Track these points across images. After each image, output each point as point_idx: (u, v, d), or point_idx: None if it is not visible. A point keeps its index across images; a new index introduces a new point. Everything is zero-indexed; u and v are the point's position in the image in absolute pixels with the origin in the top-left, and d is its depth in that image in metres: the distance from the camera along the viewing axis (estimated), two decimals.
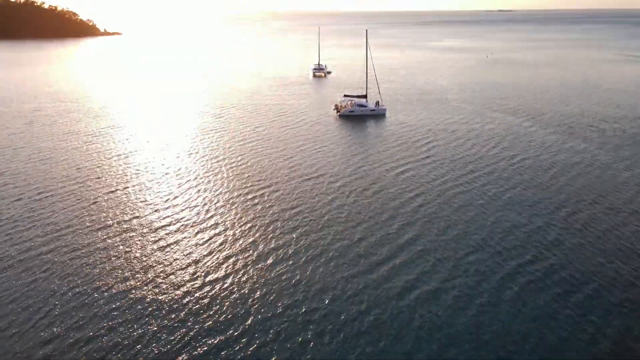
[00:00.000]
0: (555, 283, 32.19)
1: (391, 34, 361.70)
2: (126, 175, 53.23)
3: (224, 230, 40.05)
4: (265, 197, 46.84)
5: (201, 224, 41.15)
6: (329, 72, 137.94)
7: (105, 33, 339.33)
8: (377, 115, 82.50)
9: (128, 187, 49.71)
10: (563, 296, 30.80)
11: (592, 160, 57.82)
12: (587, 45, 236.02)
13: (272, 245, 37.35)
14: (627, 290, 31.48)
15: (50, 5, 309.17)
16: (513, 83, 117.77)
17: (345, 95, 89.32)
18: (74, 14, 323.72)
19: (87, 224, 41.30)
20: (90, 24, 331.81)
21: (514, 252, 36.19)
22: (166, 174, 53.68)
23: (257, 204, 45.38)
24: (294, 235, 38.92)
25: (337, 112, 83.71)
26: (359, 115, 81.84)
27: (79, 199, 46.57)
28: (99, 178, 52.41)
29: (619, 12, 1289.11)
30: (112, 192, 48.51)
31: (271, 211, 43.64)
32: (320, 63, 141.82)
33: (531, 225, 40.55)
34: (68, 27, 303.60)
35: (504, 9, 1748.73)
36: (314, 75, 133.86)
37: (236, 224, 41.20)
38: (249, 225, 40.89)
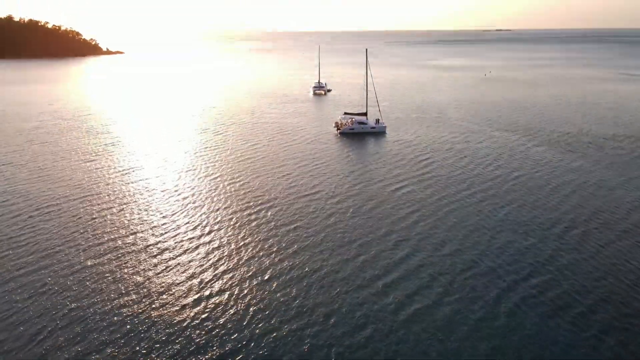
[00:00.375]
0: (551, 300, 32.16)
1: (391, 52, 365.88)
2: (125, 193, 53.38)
3: (222, 246, 40.02)
4: (264, 214, 46.88)
5: (199, 241, 41.14)
6: (329, 90, 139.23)
7: (108, 52, 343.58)
8: (377, 132, 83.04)
9: (127, 204, 49.80)
10: (558, 313, 30.74)
11: (589, 177, 58.02)
12: (583, 64, 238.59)
13: (270, 262, 37.30)
14: (622, 307, 31.40)
15: (54, 25, 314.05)
16: (511, 101, 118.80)
17: (345, 113, 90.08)
18: (77, 33, 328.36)
19: (86, 241, 41.28)
20: (93, 43, 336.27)
21: (509, 268, 36.24)
22: (165, 190, 53.84)
23: (255, 220, 45.41)
24: (292, 252, 38.91)
25: (337, 129, 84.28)
26: (359, 133, 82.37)
27: (78, 216, 46.62)
28: (98, 195, 52.56)
29: (614, 32, 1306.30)
30: (111, 209, 48.59)
31: (269, 228, 43.66)
32: (320, 81, 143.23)
33: (527, 241, 40.62)
34: (71, 47, 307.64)
35: (502, 29, 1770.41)
36: (314, 93, 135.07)
37: (234, 240, 41.19)
38: (247, 241, 40.89)
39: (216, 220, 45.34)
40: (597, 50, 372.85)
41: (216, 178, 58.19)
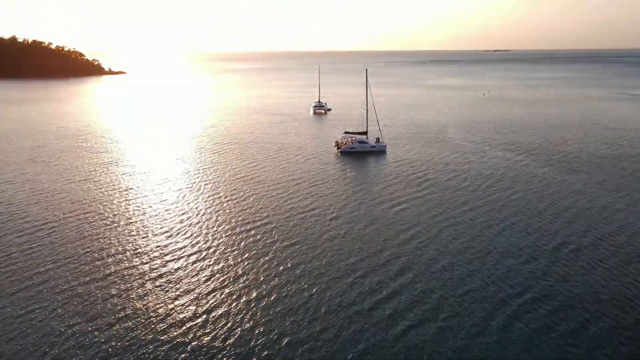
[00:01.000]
0: (544, 314, 32.21)
1: (391, 72, 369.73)
2: (125, 211, 53.23)
3: (221, 265, 39.78)
4: (263, 233, 46.71)
5: (197, 259, 40.93)
6: (329, 110, 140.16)
7: (110, 72, 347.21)
8: (378, 151, 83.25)
9: (127, 223, 49.62)
10: (552, 326, 30.76)
11: (589, 196, 57.93)
12: (581, 84, 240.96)
13: (268, 280, 37.11)
14: (618, 318, 31.32)
15: (57, 46, 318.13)
16: (510, 120, 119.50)
17: (346, 132, 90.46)
18: (80, 54, 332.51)
19: (87, 259, 41.00)
20: (96, 63, 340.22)
21: (506, 281, 36.35)
22: (164, 210, 53.69)
23: (253, 239, 45.25)
24: (290, 270, 38.75)
25: (337, 148, 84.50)
26: (359, 152, 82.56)
27: (78, 235, 46.38)
28: (98, 214, 52.39)
29: (609, 52, 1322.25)
30: (110, 228, 48.38)
31: (267, 246, 43.50)
32: (320, 100, 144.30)
33: (523, 255, 40.80)
34: (74, 67, 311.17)
35: (500, 49, 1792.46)
36: (315, 113, 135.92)
37: (232, 259, 40.96)
38: (246, 259, 40.70)
39: (214, 239, 45.15)
40: (594, 70, 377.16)
41: (215, 197, 58.08)
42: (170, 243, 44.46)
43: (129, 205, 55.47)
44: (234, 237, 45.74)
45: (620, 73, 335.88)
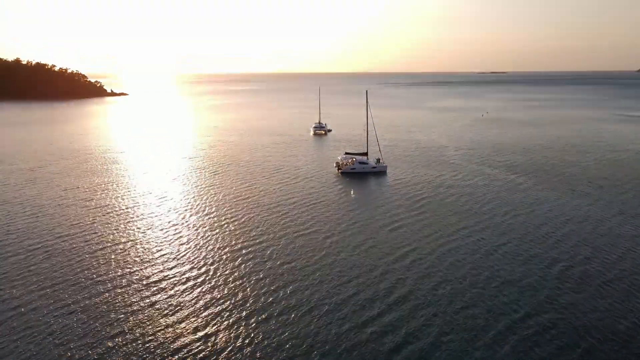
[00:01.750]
0: (549, 340, 31.84)
1: (390, 94, 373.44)
2: (124, 231, 53.29)
3: (219, 286, 39.73)
4: (262, 252, 46.73)
5: (196, 280, 40.91)
6: (329, 130, 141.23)
7: (112, 94, 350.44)
8: (378, 172, 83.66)
9: (126, 243, 49.66)
10: (557, 353, 30.31)
11: (590, 217, 58.05)
12: (578, 105, 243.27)
13: (265, 301, 37.07)
14: (623, 346, 30.97)
15: (60, 68, 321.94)
16: (509, 141, 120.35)
17: (346, 153, 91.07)
18: (83, 76, 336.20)
19: (84, 279, 40.93)
20: (98, 85, 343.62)
21: (507, 307, 35.99)
22: (163, 229, 53.74)
23: (251, 258, 45.32)
24: (287, 291, 38.77)
25: (338, 169, 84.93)
26: (360, 173, 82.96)
27: (77, 255, 46.35)
28: (97, 234, 52.43)
29: (604, 74, 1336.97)
30: (110, 247, 48.39)
31: (265, 266, 43.54)
32: (320, 121, 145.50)
33: (524, 280, 40.49)
34: (77, 89, 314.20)
35: (497, 71, 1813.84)
36: (315, 133, 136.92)
37: (230, 278, 40.96)
38: (243, 280, 40.70)
39: (212, 260, 45.20)
40: (590, 92, 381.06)
41: (214, 217, 58.16)
42: (166, 262, 44.42)
43: (128, 225, 55.51)
44: (232, 258, 45.72)
45: (616, 94, 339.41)
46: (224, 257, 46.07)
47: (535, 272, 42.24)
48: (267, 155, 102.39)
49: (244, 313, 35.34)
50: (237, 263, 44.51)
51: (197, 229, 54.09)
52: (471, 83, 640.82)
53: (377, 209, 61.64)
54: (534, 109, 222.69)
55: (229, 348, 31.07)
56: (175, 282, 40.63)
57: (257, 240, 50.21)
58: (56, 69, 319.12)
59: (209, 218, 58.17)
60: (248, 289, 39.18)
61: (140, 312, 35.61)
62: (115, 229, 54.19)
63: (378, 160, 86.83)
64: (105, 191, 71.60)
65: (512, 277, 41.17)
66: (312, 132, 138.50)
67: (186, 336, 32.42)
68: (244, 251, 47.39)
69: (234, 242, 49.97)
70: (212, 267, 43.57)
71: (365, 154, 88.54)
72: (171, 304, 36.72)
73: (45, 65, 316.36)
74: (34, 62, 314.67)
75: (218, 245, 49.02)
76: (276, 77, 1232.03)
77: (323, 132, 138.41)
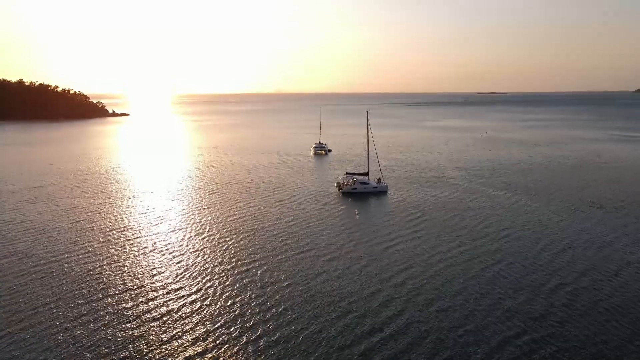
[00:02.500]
0: (542, 358, 31.73)
1: (389, 113, 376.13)
2: (123, 250, 53.22)
3: (213, 304, 39.62)
4: (262, 272, 46.58)
5: (194, 298, 40.76)
6: (329, 150, 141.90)
7: (114, 114, 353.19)
8: (379, 192, 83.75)
9: (125, 262, 49.60)
10: None
11: (592, 237, 57.90)
12: (577, 125, 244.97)
13: (262, 321, 36.95)
14: None
15: (63, 89, 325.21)
16: (509, 161, 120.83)
17: (347, 173, 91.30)
18: (85, 96, 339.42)
19: (85, 299, 40.75)
20: (100, 106, 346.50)
21: (500, 326, 35.91)
22: (162, 250, 53.63)
23: (248, 278, 45.21)
24: (282, 310, 38.73)
25: (339, 189, 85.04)
26: (361, 193, 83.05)
27: (77, 274, 46.13)
28: (95, 254, 52.29)
29: (603, 94, 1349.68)
30: (108, 267, 48.26)
31: (261, 286, 43.49)
32: (321, 141, 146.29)
33: (518, 299, 40.41)
34: (79, 109, 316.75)
35: (495, 92, 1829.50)
36: (315, 153, 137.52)
37: (226, 298, 40.87)
38: (239, 299, 40.59)
39: (210, 279, 45.17)
40: (588, 112, 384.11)
41: (213, 237, 58.06)
42: (163, 282, 44.30)
43: (126, 246, 55.43)
44: (228, 279, 45.63)
45: (614, 115, 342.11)
46: (224, 275, 45.92)
47: (532, 289, 42.05)
48: (268, 175, 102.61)
49: (239, 332, 35.24)
50: (234, 284, 44.30)
51: (195, 250, 53.91)
52: (469, 103, 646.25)
53: (380, 229, 61.52)
54: (533, 129, 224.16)
55: None
56: (171, 302, 40.39)
57: (259, 261, 50.01)
58: (59, 89, 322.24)
59: (208, 239, 58.04)
60: (245, 310, 38.95)
61: (140, 329, 35.31)
62: (113, 249, 54.01)
63: (379, 180, 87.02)
64: (104, 212, 71.52)
65: (508, 293, 40.93)
66: (312, 152, 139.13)
67: (181, 354, 32.02)
68: (244, 270, 47.21)
69: (232, 262, 49.78)
70: (210, 286, 43.44)
71: (366, 174, 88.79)
72: (171, 322, 36.42)
73: (48, 86, 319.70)
74: (36, 83, 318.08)
75: (216, 266, 48.82)
76: (275, 97, 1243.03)
77: (323, 152, 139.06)
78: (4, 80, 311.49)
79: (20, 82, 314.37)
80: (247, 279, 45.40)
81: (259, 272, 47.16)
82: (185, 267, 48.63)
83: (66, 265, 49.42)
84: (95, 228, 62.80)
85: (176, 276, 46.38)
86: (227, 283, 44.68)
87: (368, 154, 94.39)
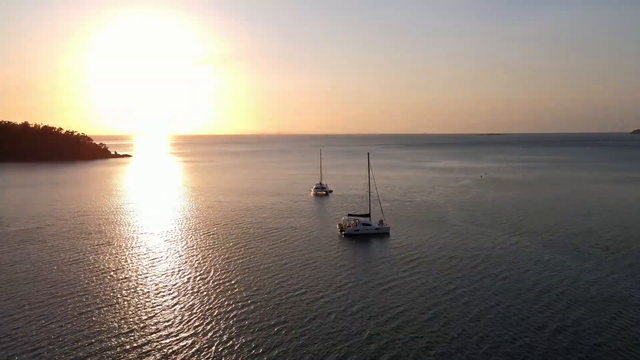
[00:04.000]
0: None
1: (388, 154, 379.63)
2: (119, 293, 52.80)
3: (211, 345, 39.04)
4: (261, 313, 46.14)
5: (189, 339, 40.20)
6: (330, 191, 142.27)
7: (116, 155, 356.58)
8: (381, 233, 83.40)
9: (117, 303, 49.24)
10: None
11: (596, 280, 57.28)
12: (576, 166, 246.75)
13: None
14: None
15: (66, 131, 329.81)
16: (509, 202, 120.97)
17: (349, 215, 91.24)
18: (89, 138, 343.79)
19: (81, 341, 40.09)
20: (103, 147, 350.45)
21: None
22: (156, 292, 53.23)
23: (244, 319, 44.75)
24: (275, 355, 38.15)
25: (341, 231, 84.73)
26: (363, 234, 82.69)
27: (70, 316, 45.50)
28: (91, 294, 51.77)
29: (601, 136, 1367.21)
30: (104, 307, 47.73)
31: (256, 327, 43.07)
32: (321, 182, 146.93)
33: (517, 342, 39.78)
34: (82, 151, 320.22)
35: (493, 133, 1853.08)
36: (316, 194, 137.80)
37: (223, 340, 40.50)
38: (232, 341, 40.03)
39: (209, 321, 44.69)
40: (585, 153, 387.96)
41: (212, 279, 57.64)
42: (159, 322, 43.88)
43: (118, 284, 55.28)
44: (227, 319, 45.19)
45: (613, 156, 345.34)
46: (218, 319, 45.47)
47: (531, 334, 41.32)
48: (268, 216, 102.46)
49: None
50: (231, 327, 43.85)
51: (193, 291, 53.43)
52: (468, 144, 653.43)
53: (384, 271, 60.98)
54: (532, 169, 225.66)
55: None
56: (169, 345, 39.79)
57: (254, 305, 49.57)
58: (63, 132, 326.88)
59: (206, 280, 57.61)
60: (239, 354, 38.19)
61: None
62: (111, 291, 53.60)
63: (381, 222, 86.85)
64: (101, 253, 71.08)
65: (505, 339, 40.21)
66: (312, 193, 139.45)
67: None
68: (239, 314, 46.78)
69: (230, 305, 49.37)
70: (206, 330, 42.98)
71: (368, 215, 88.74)
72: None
73: (52, 128, 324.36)
74: (41, 126, 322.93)
75: (213, 308, 48.34)
76: (273, 138, 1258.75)
77: (324, 193, 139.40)
78: (9, 122, 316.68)
79: (25, 124, 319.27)
80: (244, 321, 44.97)
81: (256, 314, 46.69)
82: (182, 309, 48.19)
83: (60, 306, 48.77)
84: (93, 269, 62.32)
85: (174, 317, 45.95)
86: (223, 326, 44.30)
87: (369, 195, 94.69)
